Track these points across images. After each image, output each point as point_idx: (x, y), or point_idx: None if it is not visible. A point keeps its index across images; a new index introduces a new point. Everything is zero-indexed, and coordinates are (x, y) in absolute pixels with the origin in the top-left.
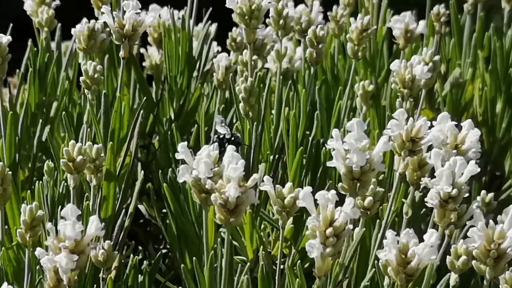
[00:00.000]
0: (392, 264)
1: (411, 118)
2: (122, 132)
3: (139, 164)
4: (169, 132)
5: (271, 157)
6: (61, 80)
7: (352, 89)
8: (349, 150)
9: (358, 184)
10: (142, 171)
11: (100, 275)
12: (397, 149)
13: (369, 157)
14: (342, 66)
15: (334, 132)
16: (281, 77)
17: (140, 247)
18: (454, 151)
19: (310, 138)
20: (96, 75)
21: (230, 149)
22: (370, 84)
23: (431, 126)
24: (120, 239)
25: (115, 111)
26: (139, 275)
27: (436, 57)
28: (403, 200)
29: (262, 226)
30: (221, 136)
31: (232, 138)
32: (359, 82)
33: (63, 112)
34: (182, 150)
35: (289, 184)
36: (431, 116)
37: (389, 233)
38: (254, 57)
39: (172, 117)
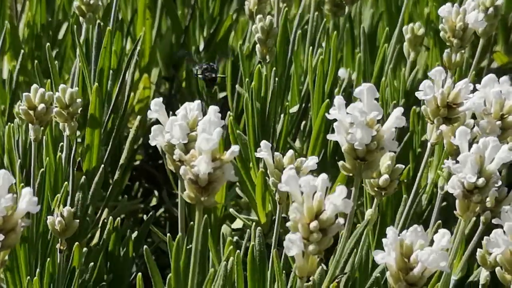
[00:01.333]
0: (391, 269)
1: (449, 80)
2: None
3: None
4: None
5: (296, 107)
6: None
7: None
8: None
9: (363, 165)
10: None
11: (58, 246)
12: (430, 116)
13: (376, 134)
14: None
15: (337, 99)
16: (317, 11)
17: (156, 192)
18: (499, 122)
19: (342, 88)
20: (92, 1)
21: (211, 111)
22: (420, 27)
23: (475, 90)
24: (108, 193)
25: (104, 47)
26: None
27: (499, 1)
28: (439, 172)
29: None
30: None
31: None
32: (426, 16)
33: (48, 43)
34: (155, 108)
35: (290, 153)
36: (505, 61)
37: (391, 231)
38: None
39: (201, 48)
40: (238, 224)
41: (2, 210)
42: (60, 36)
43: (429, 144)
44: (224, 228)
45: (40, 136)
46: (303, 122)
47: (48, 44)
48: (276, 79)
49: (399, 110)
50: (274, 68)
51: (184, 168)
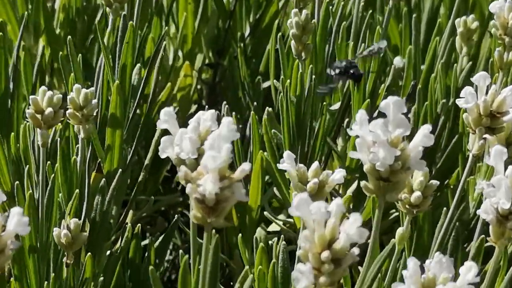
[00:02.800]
0: None
1: (493, 86)
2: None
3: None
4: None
5: (338, 104)
6: None
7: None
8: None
9: (387, 186)
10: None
11: (65, 259)
12: (471, 125)
13: (401, 153)
14: None
15: (359, 114)
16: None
17: None
18: None
19: (386, 86)
20: None
21: (224, 124)
22: (474, 20)
23: None
24: (133, 193)
25: (126, 43)
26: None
27: None
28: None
29: None
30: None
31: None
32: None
33: (70, 37)
34: (164, 118)
35: (315, 165)
36: None
37: (411, 262)
38: None
39: (246, 34)
40: (275, 226)
41: None
42: (96, 21)
43: (470, 155)
44: (259, 232)
45: (47, 141)
46: (346, 120)
47: (69, 37)
48: (313, 77)
49: (427, 128)
50: (311, 66)
51: (190, 186)
